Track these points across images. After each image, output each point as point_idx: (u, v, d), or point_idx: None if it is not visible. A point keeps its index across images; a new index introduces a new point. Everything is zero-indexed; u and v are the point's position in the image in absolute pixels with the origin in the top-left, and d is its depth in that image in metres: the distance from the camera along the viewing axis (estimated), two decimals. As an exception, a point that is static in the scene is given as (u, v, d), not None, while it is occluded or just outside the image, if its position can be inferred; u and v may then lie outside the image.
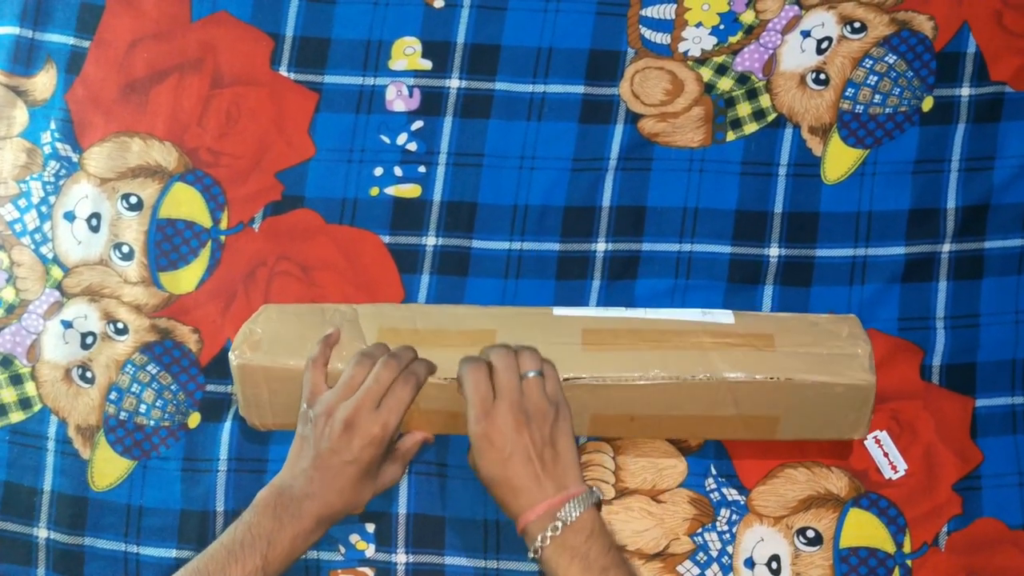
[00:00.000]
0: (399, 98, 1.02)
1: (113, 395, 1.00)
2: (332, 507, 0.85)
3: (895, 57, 1.02)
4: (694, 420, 0.93)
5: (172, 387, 1.00)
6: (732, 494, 0.99)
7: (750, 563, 0.99)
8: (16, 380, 1.00)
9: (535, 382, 0.84)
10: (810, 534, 0.99)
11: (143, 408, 1.00)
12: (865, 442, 1.00)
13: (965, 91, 1.02)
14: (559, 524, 0.80)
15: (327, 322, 0.92)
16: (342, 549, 0.99)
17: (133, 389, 1.00)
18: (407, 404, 0.86)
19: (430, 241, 1.01)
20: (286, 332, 0.92)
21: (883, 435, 0.99)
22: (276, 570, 0.83)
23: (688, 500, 1.00)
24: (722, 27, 1.03)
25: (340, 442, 0.85)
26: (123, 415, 1.00)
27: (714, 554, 0.99)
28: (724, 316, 0.93)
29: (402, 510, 0.99)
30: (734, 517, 0.99)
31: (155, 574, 0.99)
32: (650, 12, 1.03)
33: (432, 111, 1.02)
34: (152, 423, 1.00)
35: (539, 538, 0.81)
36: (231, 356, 0.91)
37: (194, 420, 1.00)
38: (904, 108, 1.02)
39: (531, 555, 0.82)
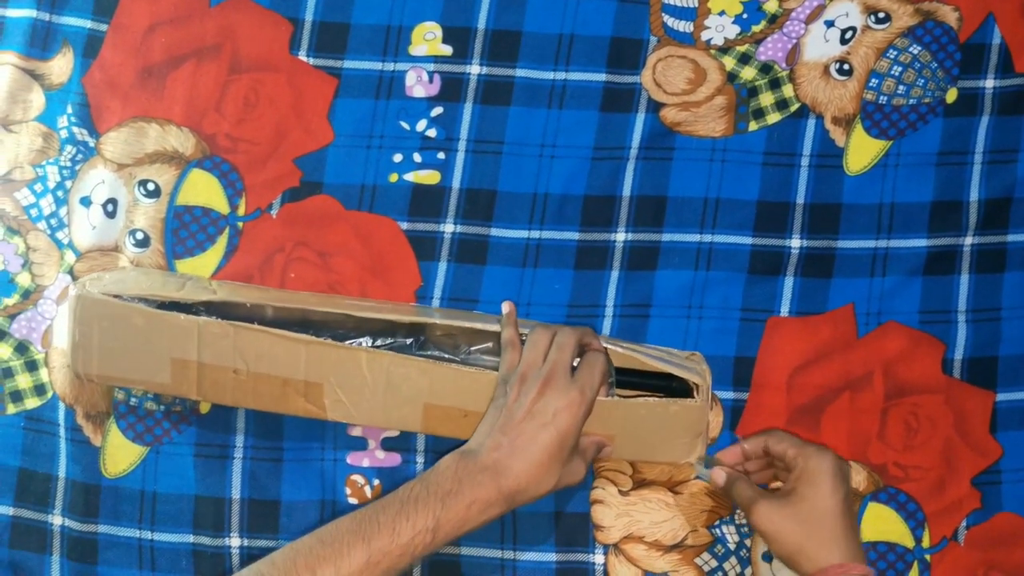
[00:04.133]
0: (419, 84, 1.01)
1: (125, 382, 0.99)
2: (516, 478, 0.82)
3: (919, 48, 1.01)
4: None
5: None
6: (751, 487, 0.99)
7: (768, 557, 0.99)
8: (32, 366, 1.00)
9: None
10: (829, 527, 0.99)
11: (152, 394, 0.99)
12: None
13: (989, 83, 1.01)
14: None
15: (176, 277, 0.96)
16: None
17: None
18: (601, 370, 0.87)
19: (448, 228, 1.01)
20: (132, 279, 0.94)
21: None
22: (448, 535, 0.81)
23: (706, 492, 0.99)
24: (745, 16, 1.02)
25: (537, 405, 0.84)
26: (133, 401, 0.99)
27: (732, 547, 0.99)
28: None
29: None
30: (753, 510, 0.99)
31: (171, 560, 0.98)
32: (673, 0, 1.02)
33: (452, 97, 1.01)
34: (161, 408, 0.99)
35: None
36: (71, 288, 0.92)
37: (206, 405, 0.99)
38: (928, 99, 1.01)
39: None
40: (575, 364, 0.88)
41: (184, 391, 0.92)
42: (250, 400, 0.92)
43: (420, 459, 0.99)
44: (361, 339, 0.92)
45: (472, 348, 0.93)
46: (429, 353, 0.93)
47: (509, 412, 0.84)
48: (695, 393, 0.92)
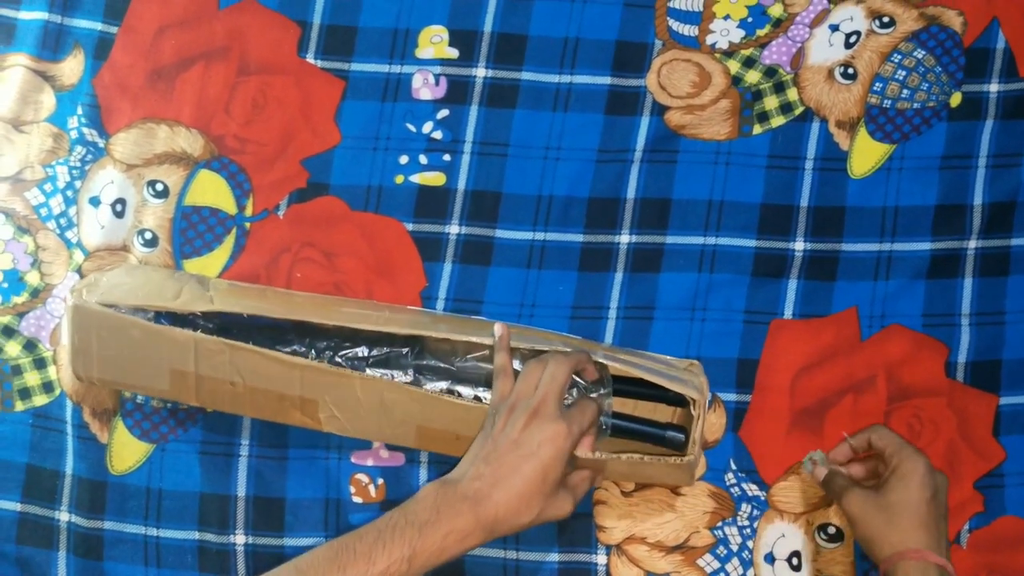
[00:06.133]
0: (425, 86, 1.02)
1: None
2: (496, 508, 0.81)
3: (923, 52, 1.02)
4: None
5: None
6: (752, 489, 0.99)
7: (770, 558, 0.99)
8: (40, 364, 1.01)
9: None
10: (831, 530, 0.99)
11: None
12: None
13: (993, 87, 1.02)
14: None
15: (174, 278, 0.95)
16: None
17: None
18: (592, 413, 0.86)
19: (453, 230, 1.01)
20: (127, 282, 0.94)
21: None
22: (424, 564, 0.80)
23: (708, 494, 0.99)
24: (750, 20, 1.02)
25: (523, 435, 0.83)
26: (139, 399, 1.00)
27: (734, 548, 0.99)
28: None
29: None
30: (755, 512, 0.99)
31: (176, 556, 0.99)
32: (678, 4, 1.02)
33: (458, 100, 1.02)
34: (167, 406, 1.00)
35: None
36: (66, 297, 0.93)
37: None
38: (932, 103, 1.01)
39: None
40: (568, 402, 0.88)
41: (183, 398, 0.93)
42: (248, 409, 0.93)
43: (424, 459, 1.00)
44: (357, 348, 0.92)
45: (468, 356, 0.93)
46: (425, 362, 0.93)
47: (495, 442, 0.84)
48: (692, 407, 0.91)
